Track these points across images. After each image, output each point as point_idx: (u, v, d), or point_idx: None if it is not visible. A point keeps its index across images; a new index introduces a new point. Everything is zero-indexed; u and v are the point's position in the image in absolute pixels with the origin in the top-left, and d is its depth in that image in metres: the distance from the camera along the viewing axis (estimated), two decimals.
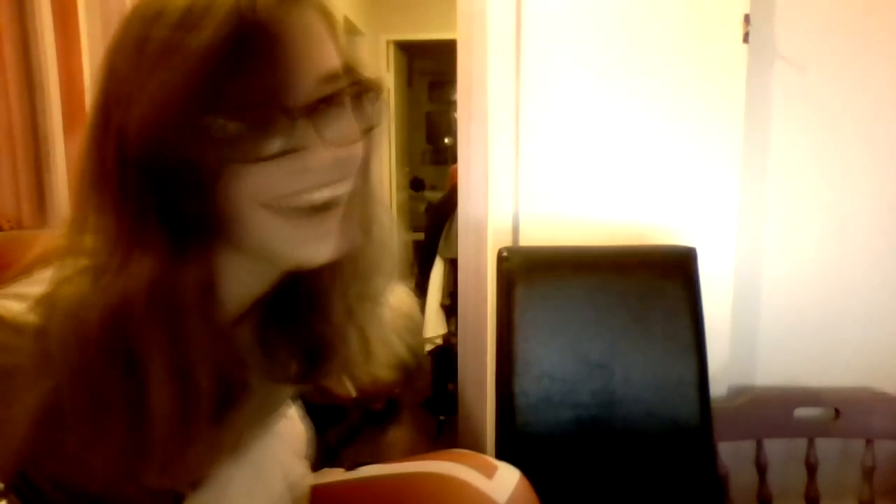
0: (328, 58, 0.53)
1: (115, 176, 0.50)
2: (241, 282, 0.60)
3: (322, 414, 1.02)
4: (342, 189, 0.56)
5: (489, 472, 0.87)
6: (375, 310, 0.70)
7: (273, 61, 0.49)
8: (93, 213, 0.52)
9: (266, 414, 0.76)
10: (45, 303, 0.50)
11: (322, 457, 1.27)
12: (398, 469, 0.89)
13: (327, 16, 0.54)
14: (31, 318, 0.49)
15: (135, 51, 0.49)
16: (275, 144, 0.50)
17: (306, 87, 0.50)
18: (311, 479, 0.96)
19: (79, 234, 0.53)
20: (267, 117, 0.49)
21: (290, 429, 0.90)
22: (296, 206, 0.53)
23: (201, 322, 0.53)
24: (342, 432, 1.37)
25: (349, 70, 0.55)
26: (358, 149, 0.56)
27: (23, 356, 0.49)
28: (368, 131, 0.57)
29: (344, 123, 0.54)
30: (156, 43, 0.48)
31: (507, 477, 0.88)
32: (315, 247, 0.55)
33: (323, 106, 0.51)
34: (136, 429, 0.51)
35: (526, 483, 0.90)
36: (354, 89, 0.55)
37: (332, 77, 0.52)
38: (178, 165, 0.49)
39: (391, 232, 0.68)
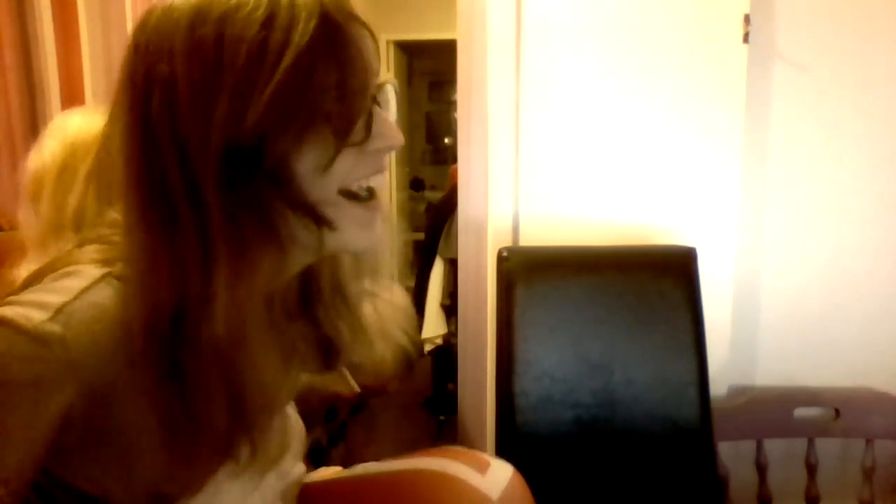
0: (378, 61, 0.60)
1: (178, 186, 0.50)
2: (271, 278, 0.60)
3: (310, 413, 1.02)
4: (383, 177, 0.61)
5: (482, 469, 0.87)
6: (376, 302, 0.73)
7: (359, 58, 0.55)
8: (135, 223, 0.52)
9: (281, 407, 0.76)
10: (70, 312, 0.50)
11: (312, 455, 1.27)
12: (392, 466, 0.90)
13: (372, 34, 0.60)
14: (55, 328, 0.49)
15: (207, 55, 0.49)
16: (360, 132, 0.55)
17: (375, 83, 0.58)
18: (306, 477, 0.97)
19: (103, 242, 0.54)
20: (360, 106, 0.54)
21: (290, 426, 0.90)
22: (358, 189, 0.58)
23: (264, 329, 0.55)
24: (331, 431, 1.38)
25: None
26: (401, 138, 0.60)
27: (45, 367, 0.48)
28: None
29: (386, 116, 0.60)
30: (242, 43, 0.49)
31: (501, 473, 0.89)
32: (369, 230, 0.60)
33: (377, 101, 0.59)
34: (179, 437, 0.52)
35: (519, 479, 0.91)
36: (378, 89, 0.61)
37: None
38: (276, 162, 0.51)
39: (393, 230, 0.70)
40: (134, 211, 0.52)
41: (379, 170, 0.59)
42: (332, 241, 0.57)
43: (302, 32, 0.49)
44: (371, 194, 0.59)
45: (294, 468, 0.89)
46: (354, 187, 0.58)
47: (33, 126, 1.55)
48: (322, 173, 0.53)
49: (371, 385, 1.20)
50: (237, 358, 0.52)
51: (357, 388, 1.19)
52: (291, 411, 0.93)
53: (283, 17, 0.49)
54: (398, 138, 0.58)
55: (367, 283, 0.71)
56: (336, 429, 1.40)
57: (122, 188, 0.53)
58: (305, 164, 0.53)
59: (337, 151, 0.53)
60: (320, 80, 0.51)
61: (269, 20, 0.49)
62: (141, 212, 0.52)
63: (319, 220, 0.54)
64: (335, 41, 0.52)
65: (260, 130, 0.49)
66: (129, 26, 1.53)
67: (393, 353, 1.17)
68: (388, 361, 1.18)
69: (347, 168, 0.55)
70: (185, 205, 0.50)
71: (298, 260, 0.61)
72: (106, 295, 0.51)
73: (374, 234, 0.60)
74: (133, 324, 0.50)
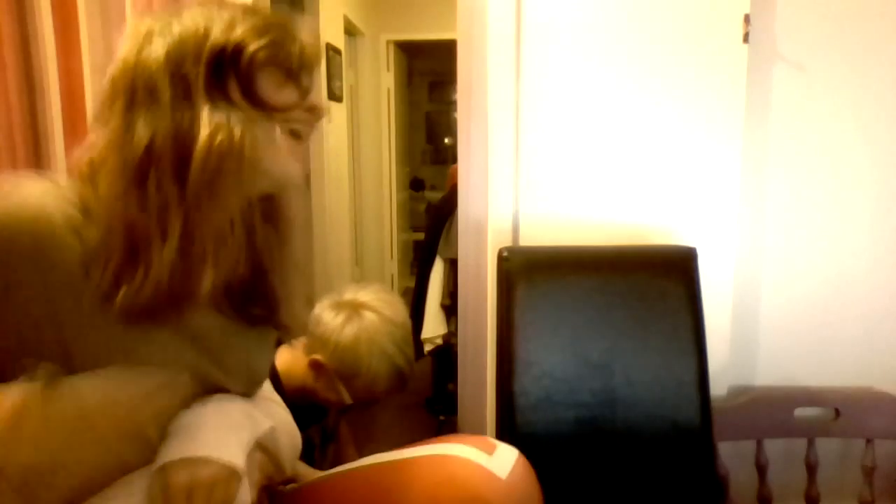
0: None
1: None
2: None
3: (303, 413, 1.03)
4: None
5: (489, 450, 0.90)
6: (301, 274, 0.83)
7: None
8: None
9: (232, 351, 0.80)
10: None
11: (307, 454, 1.28)
12: (404, 454, 0.91)
13: None
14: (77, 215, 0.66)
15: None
16: None
17: None
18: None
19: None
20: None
21: (284, 426, 0.91)
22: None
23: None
24: (324, 429, 1.38)
25: None
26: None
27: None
28: None
29: None
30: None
31: (507, 455, 0.91)
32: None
33: None
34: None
35: (525, 461, 0.92)
36: None
37: None
38: None
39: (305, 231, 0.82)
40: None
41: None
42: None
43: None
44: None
45: (290, 470, 0.90)
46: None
47: (33, 126, 1.55)
48: None
49: (363, 397, 1.20)
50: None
51: (349, 400, 1.19)
52: (283, 411, 0.94)
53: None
54: None
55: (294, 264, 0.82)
56: (329, 428, 1.40)
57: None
58: None
59: None
60: None
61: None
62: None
63: None
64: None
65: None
66: None
67: (386, 369, 1.18)
68: (381, 376, 1.18)
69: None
70: None
71: None
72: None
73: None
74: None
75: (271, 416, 0.84)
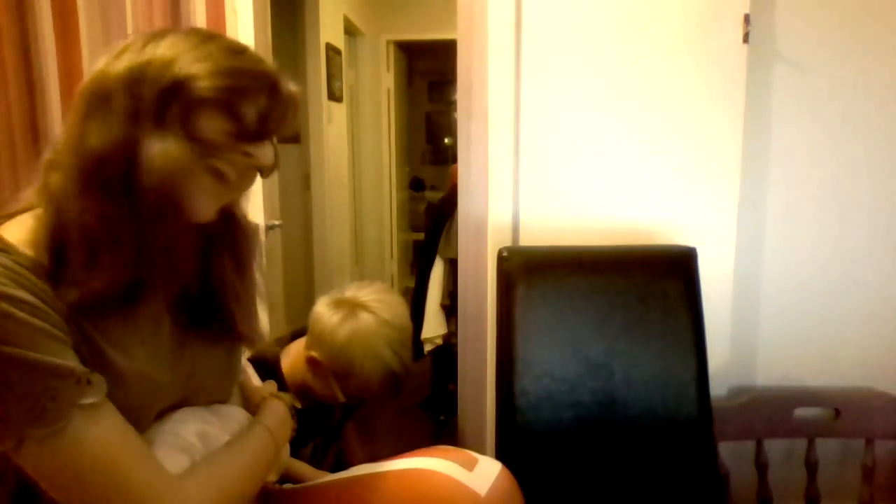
0: None
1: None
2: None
3: (306, 419, 1.03)
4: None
5: (470, 465, 0.89)
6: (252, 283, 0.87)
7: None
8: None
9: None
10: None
11: (311, 458, 1.28)
12: (383, 467, 0.91)
13: None
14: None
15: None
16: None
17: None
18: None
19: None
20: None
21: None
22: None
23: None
24: (326, 431, 1.38)
25: None
26: (255, 172, 0.75)
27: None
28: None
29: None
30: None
31: (488, 469, 0.91)
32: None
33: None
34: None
35: (507, 475, 0.92)
36: None
37: None
38: None
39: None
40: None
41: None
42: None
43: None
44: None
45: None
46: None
47: (33, 126, 1.55)
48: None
49: (356, 396, 1.20)
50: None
51: (341, 398, 1.19)
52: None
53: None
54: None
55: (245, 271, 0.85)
56: (331, 429, 1.40)
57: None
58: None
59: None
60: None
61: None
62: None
63: None
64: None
65: None
66: (130, 26, 1.53)
67: (379, 371, 1.18)
68: (374, 378, 1.19)
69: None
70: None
71: None
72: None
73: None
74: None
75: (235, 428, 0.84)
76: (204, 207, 0.71)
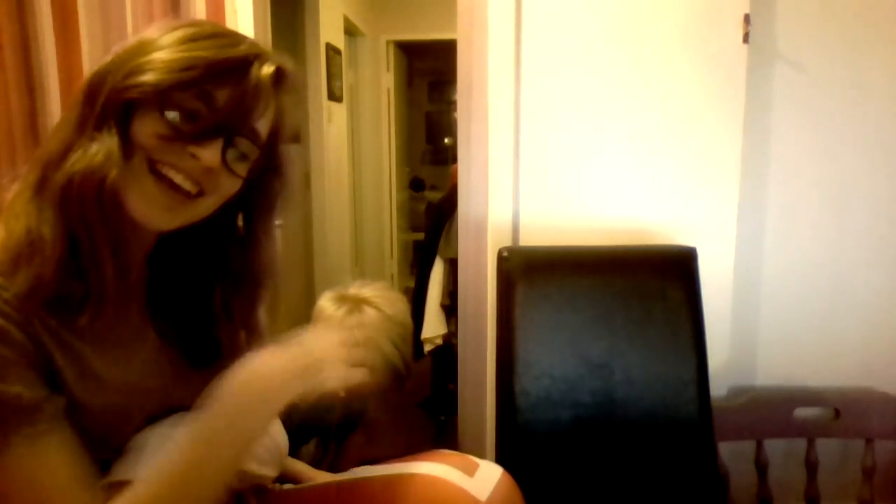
0: None
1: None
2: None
3: (307, 424, 1.03)
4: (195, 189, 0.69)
5: (470, 471, 0.89)
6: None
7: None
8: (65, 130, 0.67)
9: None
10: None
11: (314, 463, 1.27)
12: (384, 471, 0.91)
13: None
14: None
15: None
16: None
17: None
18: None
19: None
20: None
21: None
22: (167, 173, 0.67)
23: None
24: (325, 433, 1.38)
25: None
26: (220, 175, 0.69)
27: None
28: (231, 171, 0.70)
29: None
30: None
31: (489, 474, 0.90)
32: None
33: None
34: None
35: (509, 479, 0.91)
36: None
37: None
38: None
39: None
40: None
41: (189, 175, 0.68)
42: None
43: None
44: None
45: (259, 471, 0.90)
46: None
47: (33, 126, 1.55)
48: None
49: (357, 391, 1.20)
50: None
51: (342, 393, 1.19)
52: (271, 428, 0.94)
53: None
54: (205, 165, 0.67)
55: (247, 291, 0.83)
56: (331, 432, 1.40)
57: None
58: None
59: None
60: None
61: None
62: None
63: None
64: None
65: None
66: (130, 26, 1.53)
67: (381, 366, 1.17)
68: (376, 372, 1.18)
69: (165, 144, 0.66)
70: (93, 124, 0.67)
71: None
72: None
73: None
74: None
75: None
76: (154, 215, 0.68)
